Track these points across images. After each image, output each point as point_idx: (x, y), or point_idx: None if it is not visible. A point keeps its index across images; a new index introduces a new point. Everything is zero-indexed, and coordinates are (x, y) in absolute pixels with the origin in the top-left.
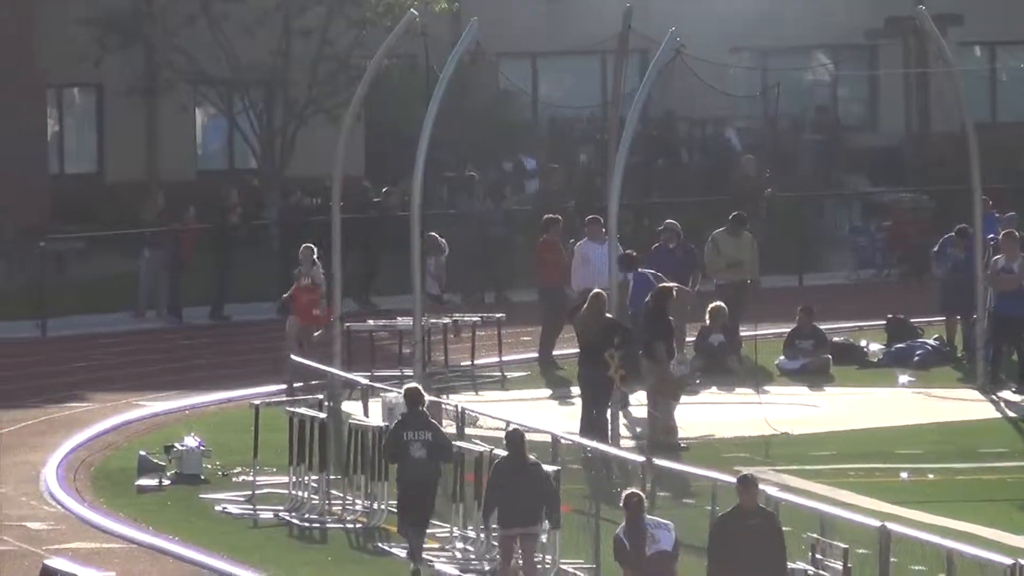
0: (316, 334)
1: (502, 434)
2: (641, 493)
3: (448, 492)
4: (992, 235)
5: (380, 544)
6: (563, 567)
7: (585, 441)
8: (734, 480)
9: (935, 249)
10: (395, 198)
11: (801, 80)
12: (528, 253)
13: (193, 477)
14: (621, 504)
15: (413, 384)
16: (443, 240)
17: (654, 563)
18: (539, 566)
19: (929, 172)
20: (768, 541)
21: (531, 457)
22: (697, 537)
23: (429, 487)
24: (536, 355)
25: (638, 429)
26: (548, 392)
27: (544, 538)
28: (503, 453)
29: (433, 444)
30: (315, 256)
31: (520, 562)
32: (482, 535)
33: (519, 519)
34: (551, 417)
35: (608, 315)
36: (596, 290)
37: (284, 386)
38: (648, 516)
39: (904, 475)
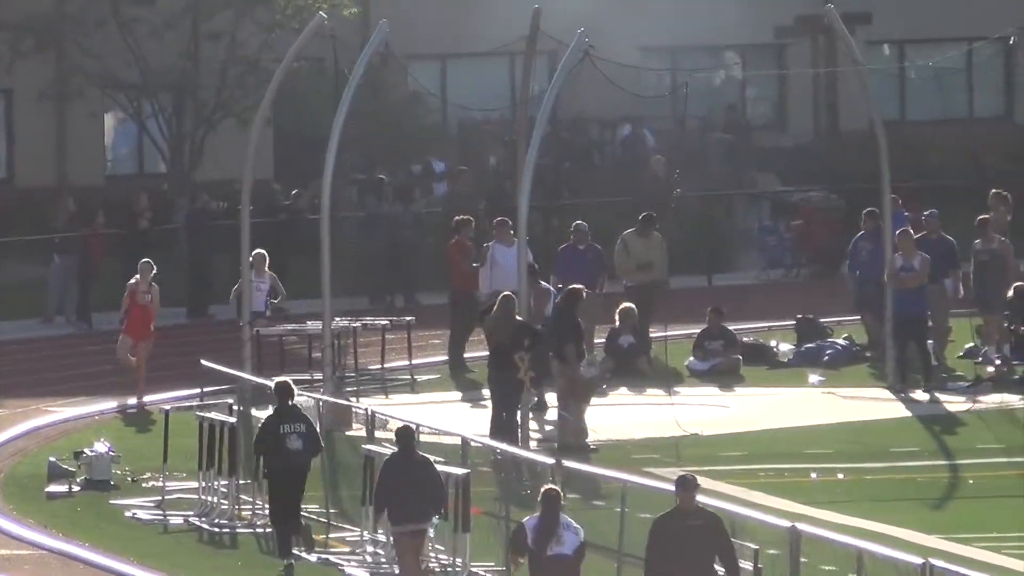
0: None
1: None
2: (559, 490)
3: (358, 496)
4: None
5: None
6: (473, 569)
7: (495, 443)
8: (643, 481)
9: (849, 247)
10: (305, 200)
11: (710, 80)
12: (437, 256)
13: (103, 483)
14: (539, 498)
15: (283, 378)
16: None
17: (552, 565)
18: (442, 567)
19: (839, 171)
20: (709, 542)
21: (421, 453)
22: (606, 539)
23: (302, 476)
24: (446, 358)
25: (548, 430)
26: (458, 395)
27: (431, 532)
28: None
29: (307, 436)
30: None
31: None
32: (391, 538)
33: (411, 516)
34: (461, 420)
35: (518, 317)
36: (505, 293)
37: (196, 391)
38: (564, 516)
39: (814, 475)
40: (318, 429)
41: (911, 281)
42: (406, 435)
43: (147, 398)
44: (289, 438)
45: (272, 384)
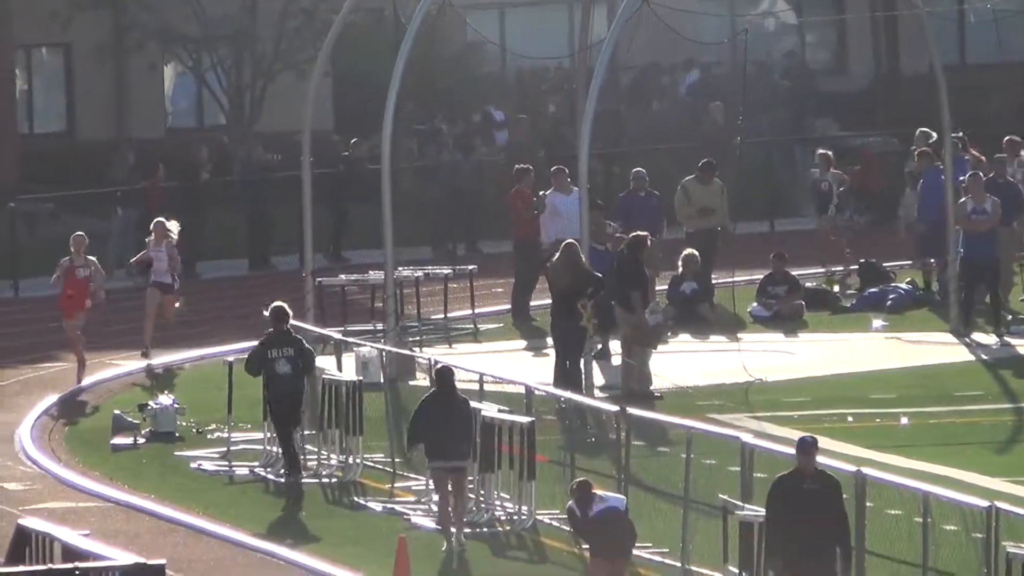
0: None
1: (476, 387)
2: (588, 480)
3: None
4: (962, 177)
5: (355, 498)
6: (539, 517)
7: (559, 392)
8: (708, 428)
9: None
10: (363, 149)
11: (769, 26)
12: (498, 205)
13: (168, 435)
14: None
15: (278, 303)
16: (173, 225)
17: (604, 517)
18: (508, 515)
19: (899, 116)
20: (826, 506)
21: (460, 394)
22: (672, 486)
23: (294, 399)
24: (509, 307)
25: (613, 378)
26: (522, 344)
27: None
28: (476, 405)
29: (295, 359)
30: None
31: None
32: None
33: (449, 453)
34: (525, 369)
35: (580, 265)
36: (568, 240)
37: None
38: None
39: (904, 420)
40: (381, 378)
41: (983, 225)
42: (446, 374)
43: (208, 350)
44: (277, 363)
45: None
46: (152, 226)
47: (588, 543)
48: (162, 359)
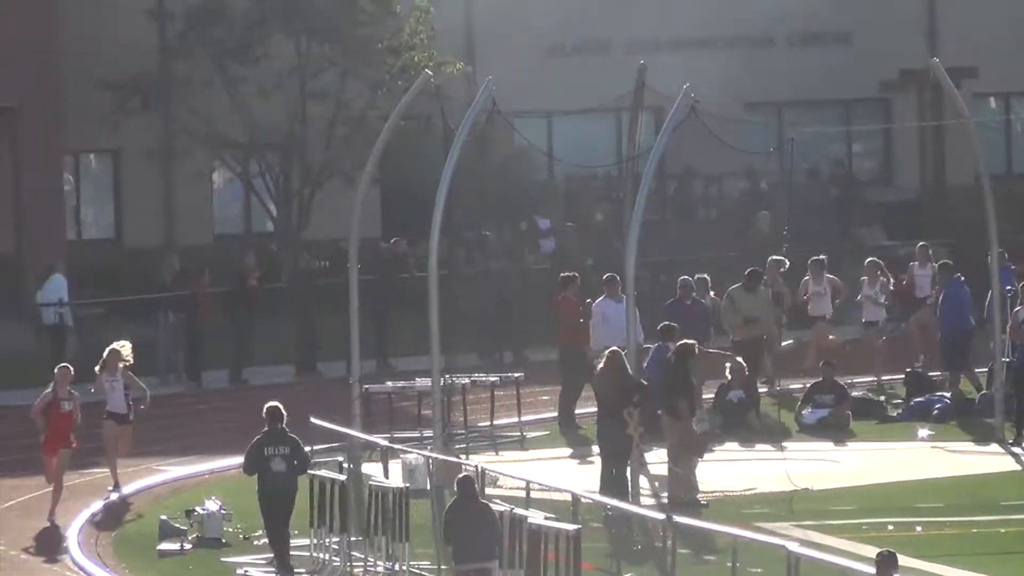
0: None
1: (522, 494)
2: None
3: None
4: (1009, 287)
5: None
6: None
7: (605, 499)
8: (754, 536)
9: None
10: (402, 246)
11: (815, 135)
12: (545, 312)
13: (214, 541)
14: None
15: (273, 403)
16: (125, 348)
17: None
18: None
19: (945, 225)
20: None
21: (482, 500)
22: None
23: (288, 497)
24: (555, 414)
25: (658, 486)
26: (568, 451)
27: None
28: (523, 512)
29: (290, 457)
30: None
31: None
32: None
33: (474, 555)
34: (571, 476)
35: (625, 373)
36: (612, 348)
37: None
38: None
39: (919, 528)
40: (427, 485)
41: None
42: (467, 484)
43: None
44: (273, 460)
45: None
46: (105, 354)
47: None
48: (209, 464)
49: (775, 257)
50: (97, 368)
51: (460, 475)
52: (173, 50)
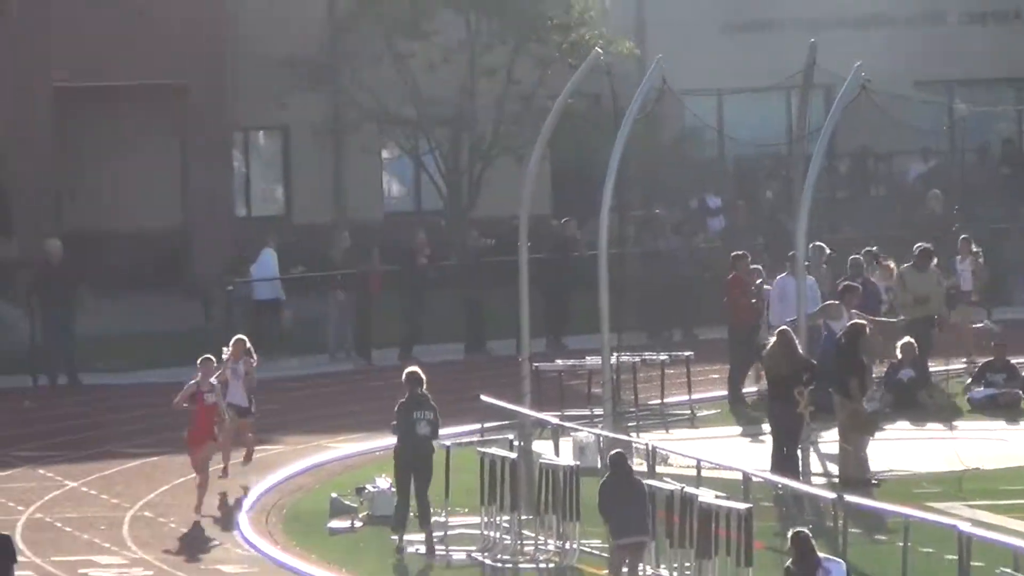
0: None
1: (693, 472)
2: (807, 531)
3: None
4: None
5: None
6: None
7: (776, 478)
8: (926, 516)
9: None
10: (572, 228)
11: (985, 113)
12: (715, 290)
13: (385, 519)
14: (788, 542)
15: (413, 368)
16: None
17: None
18: None
19: None
20: None
21: (635, 476)
22: (890, 574)
23: (430, 460)
24: (726, 393)
25: (829, 465)
26: (738, 429)
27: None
28: (693, 491)
29: (434, 422)
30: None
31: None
32: (674, 574)
33: (628, 530)
34: (742, 454)
35: (795, 351)
36: (783, 327)
37: (476, 426)
38: (820, 553)
39: None
40: (598, 463)
41: None
42: (620, 460)
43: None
44: (419, 424)
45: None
46: (232, 343)
47: None
48: (380, 442)
49: (818, 243)
50: (224, 356)
51: (612, 452)
52: (342, 26)
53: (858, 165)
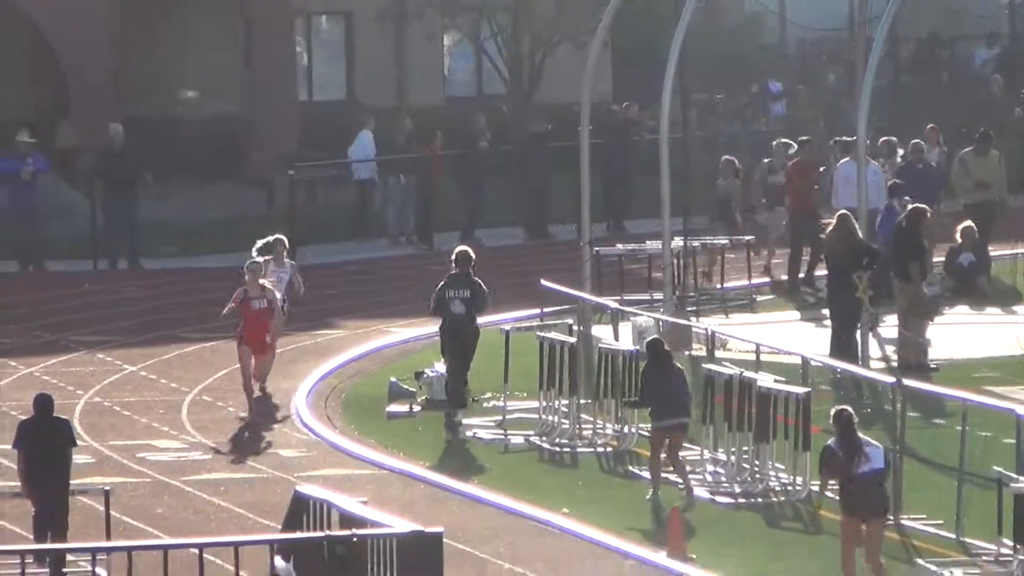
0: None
1: (752, 357)
2: (851, 410)
3: (698, 415)
4: None
5: (630, 468)
6: (814, 488)
7: (835, 362)
8: (984, 400)
9: None
10: (634, 111)
11: None
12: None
13: (443, 403)
14: (831, 420)
15: (463, 247)
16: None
17: (866, 480)
18: (783, 486)
19: None
20: None
21: (674, 362)
22: (947, 458)
23: (465, 337)
24: (786, 277)
25: (889, 350)
26: (797, 315)
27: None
28: (752, 375)
29: (470, 300)
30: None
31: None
32: (732, 457)
33: (668, 413)
34: (800, 339)
35: (855, 236)
36: (842, 211)
37: (536, 311)
38: (860, 435)
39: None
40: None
41: None
42: (657, 345)
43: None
44: (453, 303)
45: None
46: (273, 244)
47: (845, 502)
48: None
49: (783, 140)
50: (262, 258)
51: (649, 338)
52: None
53: (923, 50)
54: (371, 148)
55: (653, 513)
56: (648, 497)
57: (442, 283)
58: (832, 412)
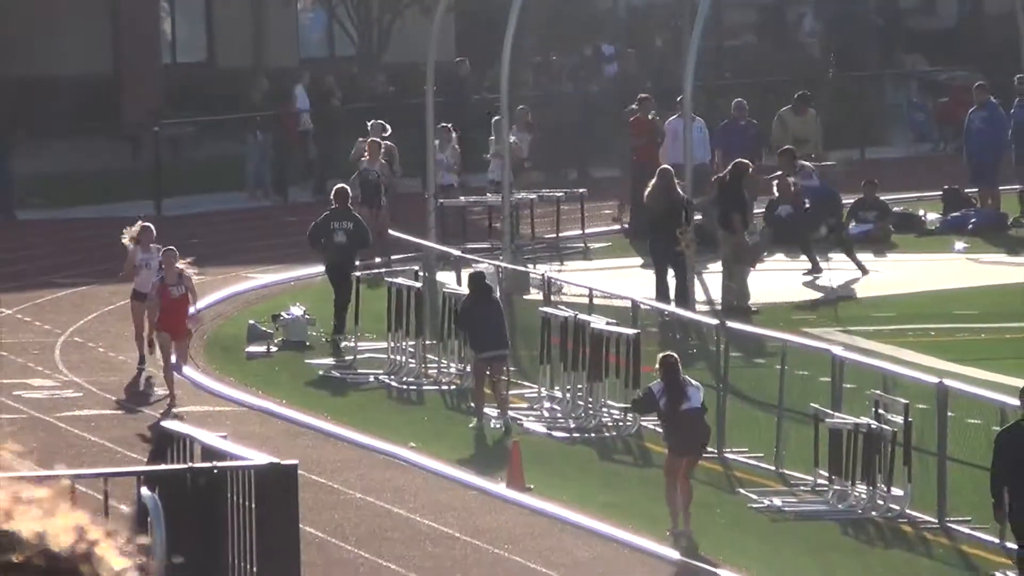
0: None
1: (585, 300)
2: (676, 355)
3: (536, 355)
4: None
5: (471, 404)
6: (644, 424)
7: (662, 305)
8: (802, 340)
9: (965, 123)
10: (465, 68)
11: None
12: (608, 131)
13: (299, 344)
14: (657, 364)
15: (342, 184)
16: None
17: (688, 418)
18: (614, 421)
19: (982, 52)
20: None
21: (493, 296)
22: (767, 395)
23: (345, 267)
24: (616, 227)
25: (713, 294)
26: (628, 261)
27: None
28: (585, 317)
29: (352, 232)
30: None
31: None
32: (567, 395)
33: (489, 345)
34: (632, 285)
35: (674, 191)
36: (664, 166)
37: (382, 259)
38: (683, 375)
39: (932, 332)
40: (497, 292)
41: None
42: (478, 279)
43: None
44: (336, 233)
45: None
46: (136, 229)
47: (669, 438)
48: (294, 273)
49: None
50: (128, 240)
51: (471, 272)
52: None
53: (748, 16)
54: (305, 100)
55: (494, 447)
56: (472, 426)
57: (324, 215)
58: (658, 357)
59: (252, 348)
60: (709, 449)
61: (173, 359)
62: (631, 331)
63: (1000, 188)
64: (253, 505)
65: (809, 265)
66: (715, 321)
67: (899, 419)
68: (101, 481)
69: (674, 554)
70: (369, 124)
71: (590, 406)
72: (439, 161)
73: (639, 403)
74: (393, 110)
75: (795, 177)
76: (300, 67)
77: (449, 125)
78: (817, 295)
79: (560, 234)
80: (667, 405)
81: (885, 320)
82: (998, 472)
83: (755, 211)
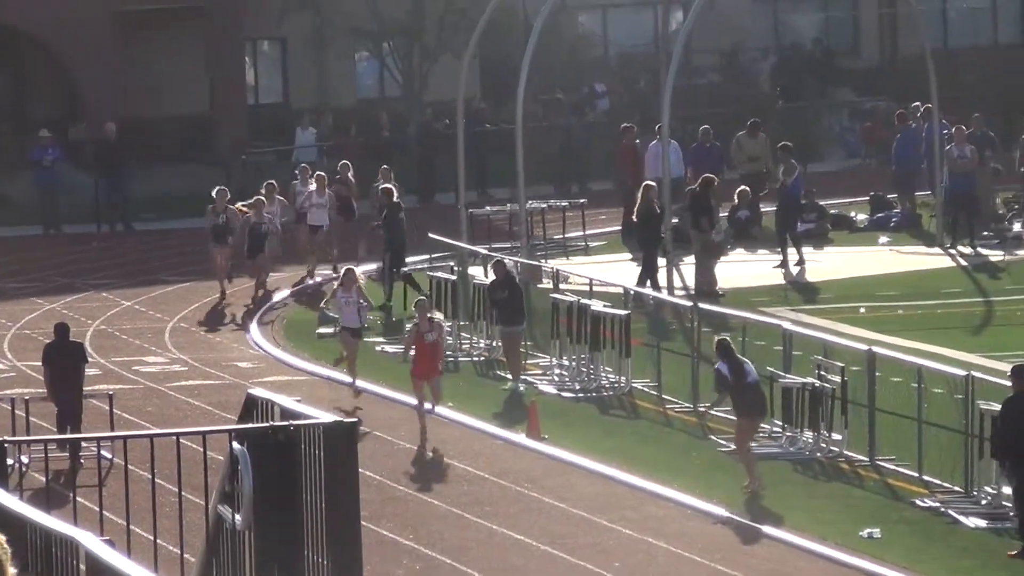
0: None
1: (587, 288)
2: (728, 338)
3: (548, 332)
4: (945, 131)
5: (498, 372)
6: (634, 385)
7: (648, 291)
8: (759, 318)
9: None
10: (476, 102)
11: (800, 19)
12: (602, 153)
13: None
14: (715, 349)
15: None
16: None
17: (752, 387)
18: (610, 384)
19: (899, 86)
20: None
21: (514, 279)
22: None
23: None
24: (611, 229)
25: (687, 281)
26: (622, 257)
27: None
28: (587, 301)
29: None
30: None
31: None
32: (573, 363)
33: (507, 321)
34: (624, 275)
35: (653, 203)
36: (647, 182)
37: (426, 256)
38: (738, 356)
39: (862, 309)
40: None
41: (967, 165)
42: (500, 267)
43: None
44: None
45: (480, 251)
46: (343, 272)
47: (738, 405)
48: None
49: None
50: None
51: (494, 260)
52: None
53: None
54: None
55: (516, 406)
56: (505, 387)
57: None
58: (715, 342)
59: (322, 330)
60: (684, 404)
61: (427, 405)
62: (623, 312)
63: (916, 193)
64: (322, 455)
65: (780, 257)
66: (689, 303)
67: (837, 379)
68: (200, 438)
69: (662, 489)
70: (264, 186)
71: (591, 372)
72: (316, 202)
73: (718, 383)
74: (432, 138)
75: (785, 175)
76: (357, 105)
77: (319, 172)
78: (771, 282)
79: (566, 235)
80: (735, 380)
81: (825, 300)
82: (1002, 440)
83: (720, 214)
